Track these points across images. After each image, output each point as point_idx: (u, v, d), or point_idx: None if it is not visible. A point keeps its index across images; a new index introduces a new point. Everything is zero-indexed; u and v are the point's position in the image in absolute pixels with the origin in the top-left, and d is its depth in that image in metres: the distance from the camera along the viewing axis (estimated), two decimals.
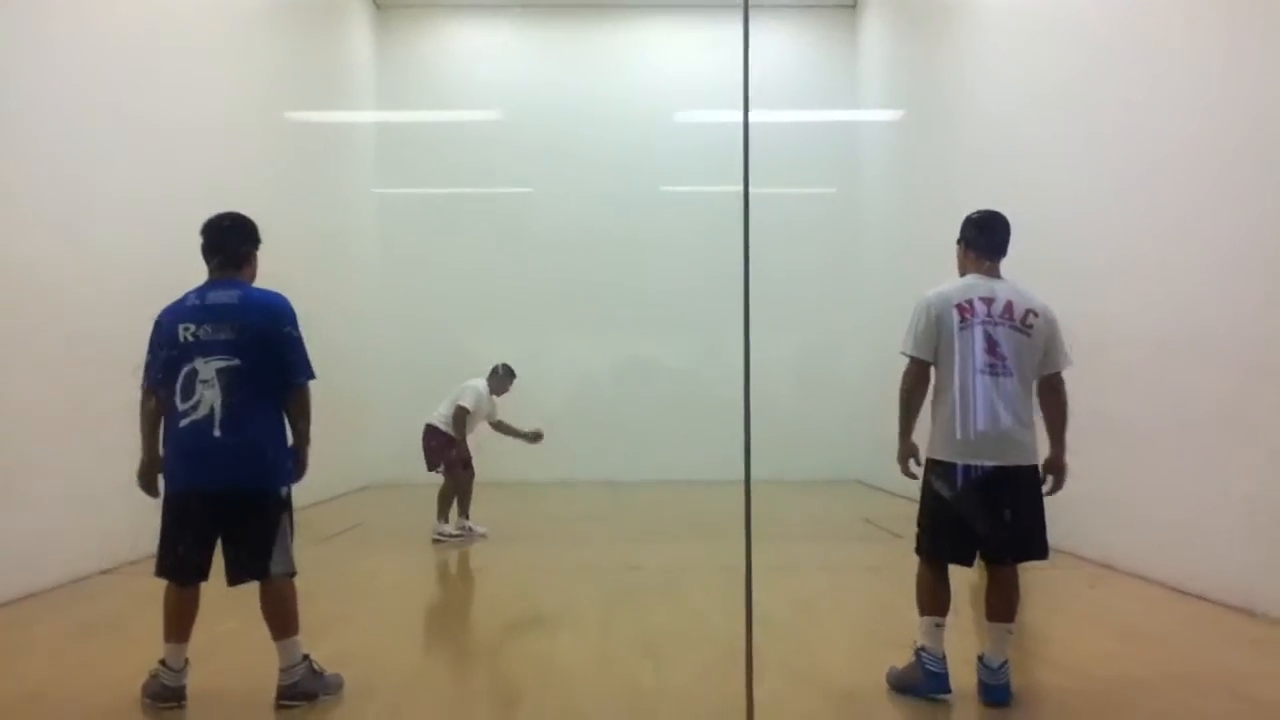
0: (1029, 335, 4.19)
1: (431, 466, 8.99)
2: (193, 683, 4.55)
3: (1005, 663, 4.22)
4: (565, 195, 14.94)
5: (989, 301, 4.21)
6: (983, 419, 4.14)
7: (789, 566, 7.33)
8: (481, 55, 15.57)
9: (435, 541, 8.44)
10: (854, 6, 15.46)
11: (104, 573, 7.11)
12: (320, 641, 5.32)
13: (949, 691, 4.24)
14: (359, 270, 14.39)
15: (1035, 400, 4.31)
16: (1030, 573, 7.08)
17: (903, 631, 5.81)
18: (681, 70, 15.09)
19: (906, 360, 4.33)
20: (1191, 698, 4.30)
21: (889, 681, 4.44)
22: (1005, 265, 4.46)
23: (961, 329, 4.19)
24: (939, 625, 4.31)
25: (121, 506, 7.40)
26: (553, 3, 15.33)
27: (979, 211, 4.53)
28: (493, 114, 15.08)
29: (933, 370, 4.29)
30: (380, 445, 14.30)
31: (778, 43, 15.22)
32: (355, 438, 13.84)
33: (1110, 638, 5.50)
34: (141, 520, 7.69)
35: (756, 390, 3.86)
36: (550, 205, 14.92)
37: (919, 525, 4.45)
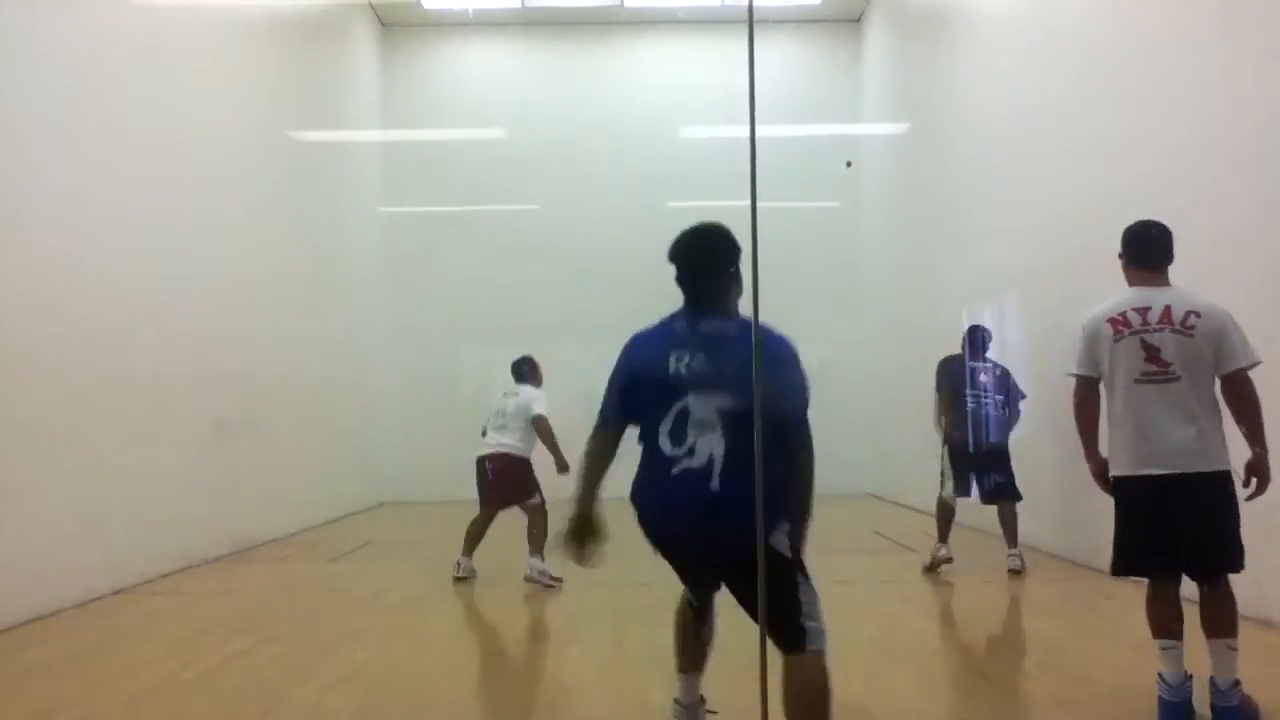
0: (1192, 337, 4.10)
1: (523, 498, 7.66)
2: (200, 706, 4.54)
3: (1236, 683, 4.03)
4: (571, 212, 14.97)
5: (1144, 311, 4.19)
6: (1150, 427, 4.10)
7: None
8: (486, 73, 15.64)
9: (533, 581, 7.30)
10: (858, 21, 15.51)
11: (115, 593, 7.11)
12: (329, 659, 5.32)
13: None
14: (365, 288, 14.43)
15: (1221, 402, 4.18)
16: (1046, 585, 7.09)
17: (913, 646, 5.79)
18: (686, 85, 15.12)
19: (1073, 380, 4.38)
20: (1208, 708, 4.26)
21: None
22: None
23: (1116, 342, 4.19)
24: (1166, 649, 4.15)
25: (130, 528, 7.45)
26: (557, 20, 15.39)
27: (1134, 223, 4.52)
28: (498, 131, 15.13)
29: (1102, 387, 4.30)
30: (389, 464, 14.33)
31: (782, 57, 15.27)
32: (364, 457, 13.86)
33: (1126, 648, 5.46)
34: (151, 541, 7.75)
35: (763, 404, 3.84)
36: (556, 222, 14.95)
37: (1114, 544, 4.36)
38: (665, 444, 3.43)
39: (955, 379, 7.93)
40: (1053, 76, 8.57)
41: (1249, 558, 4.31)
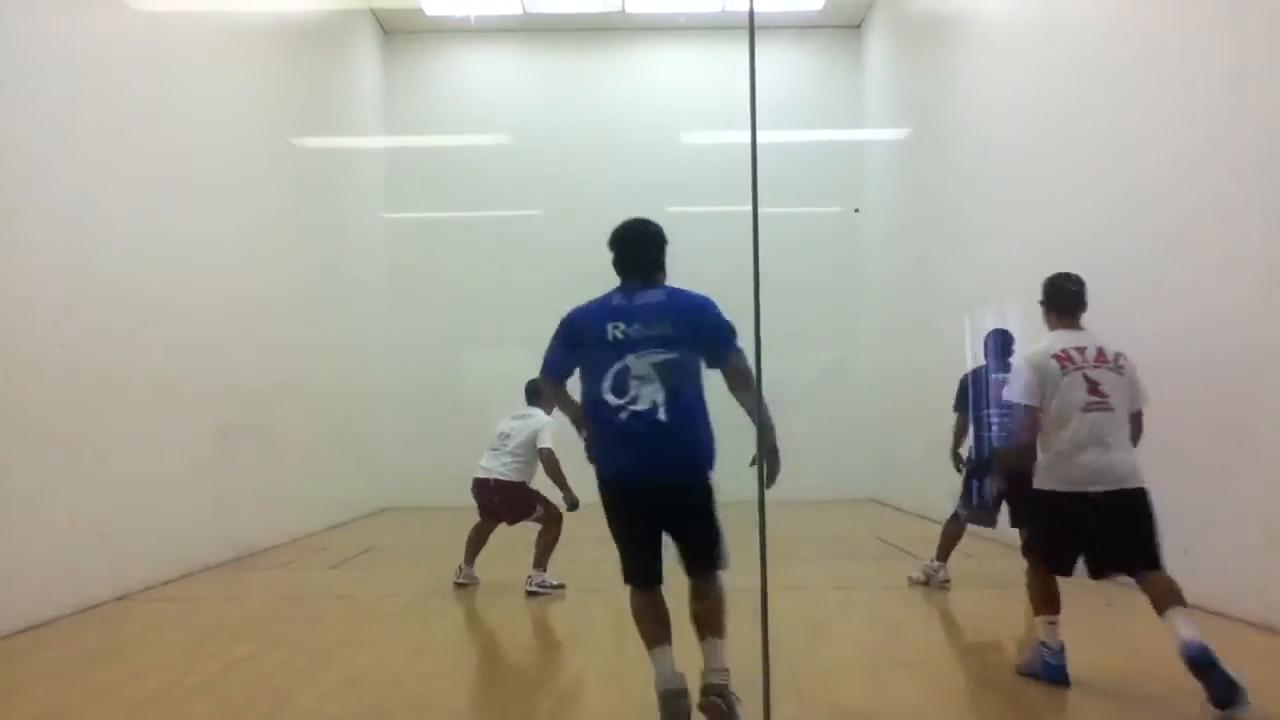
0: (1123, 374, 4.79)
1: (527, 516, 7.52)
2: (203, 711, 4.54)
3: (1212, 651, 4.36)
4: (573, 217, 14.95)
5: (1081, 350, 4.81)
6: (1098, 449, 4.67)
7: (802, 586, 7.30)
8: (489, 79, 15.67)
9: (535, 594, 7.15)
10: (859, 27, 15.53)
11: (118, 599, 7.12)
12: (332, 665, 5.32)
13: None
14: (368, 294, 14.45)
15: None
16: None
17: (917, 651, 5.78)
18: (687, 91, 15.16)
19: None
20: (1209, 716, 4.26)
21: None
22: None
23: (1064, 375, 4.74)
24: (1053, 623, 4.83)
25: (133, 534, 7.46)
26: (559, 26, 15.43)
27: (1055, 275, 5.16)
28: (500, 138, 15.16)
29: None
30: (392, 469, 14.34)
31: (783, 63, 15.30)
32: (366, 462, 13.87)
33: (1127, 655, 5.46)
34: (154, 547, 7.76)
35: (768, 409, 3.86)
36: (558, 228, 14.95)
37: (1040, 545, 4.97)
38: (610, 397, 4.06)
39: (975, 397, 7.34)
40: (1054, 81, 8.58)
41: (1254, 567, 4.37)
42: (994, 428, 7.14)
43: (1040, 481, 4.82)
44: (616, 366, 4.06)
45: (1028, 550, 5.13)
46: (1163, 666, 5.17)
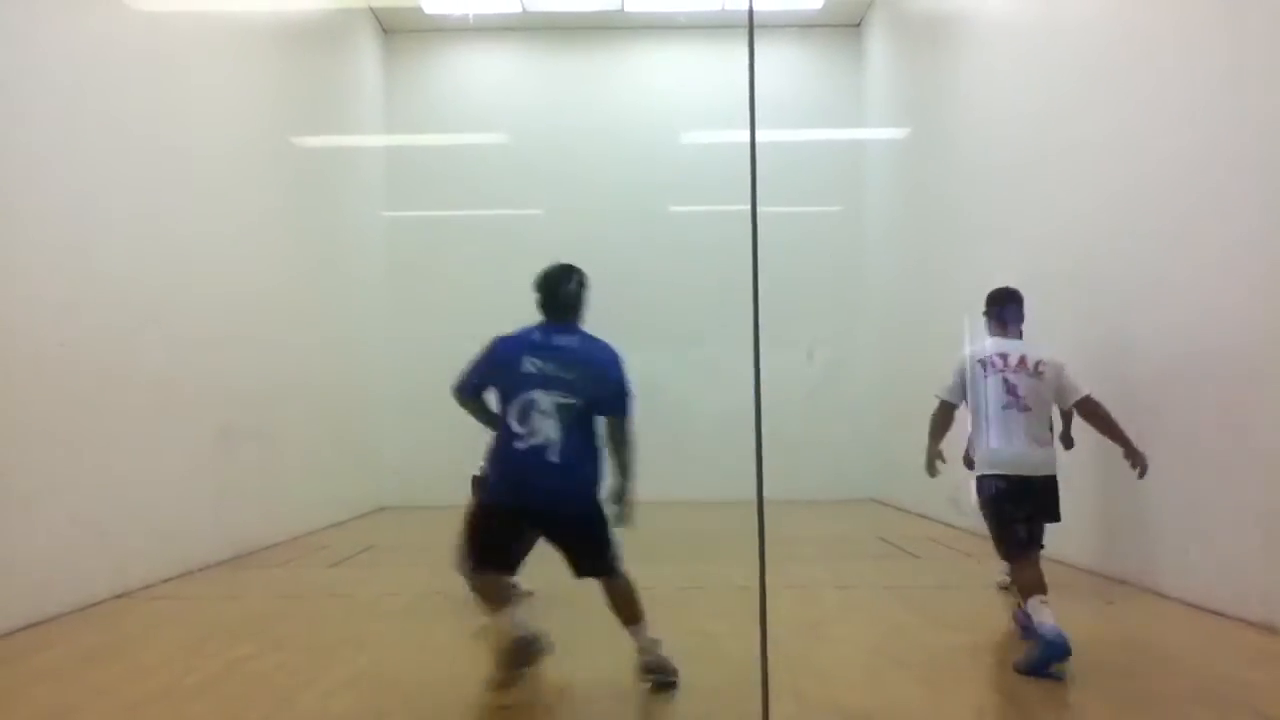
0: (1041, 379, 5.47)
1: None
2: (203, 711, 4.54)
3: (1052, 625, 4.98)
4: (573, 217, 14.99)
5: (1005, 356, 5.52)
6: (1010, 441, 5.40)
7: (802, 586, 7.30)
8: (489, 79, 15.67)
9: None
10: (858, 26, 15.53)
11: (117, 598, 7.12)
12: (332, 664, 5.32)
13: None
14: (367, 293, 14.45)
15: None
16: (1050, 591, 7.07)
17: (918, 652, 5.78)
18: (687, 91, 15.16)
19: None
20: (1211, 715, 4.26)
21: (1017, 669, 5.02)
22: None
23: (985, 379, 5.52)
24: (1045, 602, 5.08)
25: (132, 532, 7.46)
26: (558, 25, 15.42)
27: (997, 290, 5.85)
28: (500, 137, 15.17)
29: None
30: (391, 469, 14.34)
31: (783, 62, 15.30)
32: (366, 461, 13.87)
33: (1127, 654, 5.46)
34: (154, 546, 7.76)
35: (766, 408, 3.86)
36: (558, 227, 14.95)
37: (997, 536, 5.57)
38: (514, 424, 4.63)
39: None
40: (1055, 81, 8.58)
41: (1255, 566, 4.39)
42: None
43: (975, 469, 5.61)
44: (524, 397, 4.63)
45: (1001, 546, 5.60)
46: (1169, 667, 5.18)
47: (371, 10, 15.08)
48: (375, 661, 5.43)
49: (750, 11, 4.21)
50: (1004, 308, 5.77)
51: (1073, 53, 8.26)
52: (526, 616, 4.75)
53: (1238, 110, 6.07)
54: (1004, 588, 7.06)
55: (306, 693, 4.79)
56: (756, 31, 4.14)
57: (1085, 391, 5.51)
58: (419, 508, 13.61)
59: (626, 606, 4.82)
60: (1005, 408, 5.44)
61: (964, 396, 5.62)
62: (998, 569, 7.17)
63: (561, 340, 4.79)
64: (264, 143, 10.67)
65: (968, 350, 5.71)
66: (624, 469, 4.81)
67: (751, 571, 3.77)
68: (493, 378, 4.85)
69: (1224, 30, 6.25)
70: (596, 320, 15.40)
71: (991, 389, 5.49)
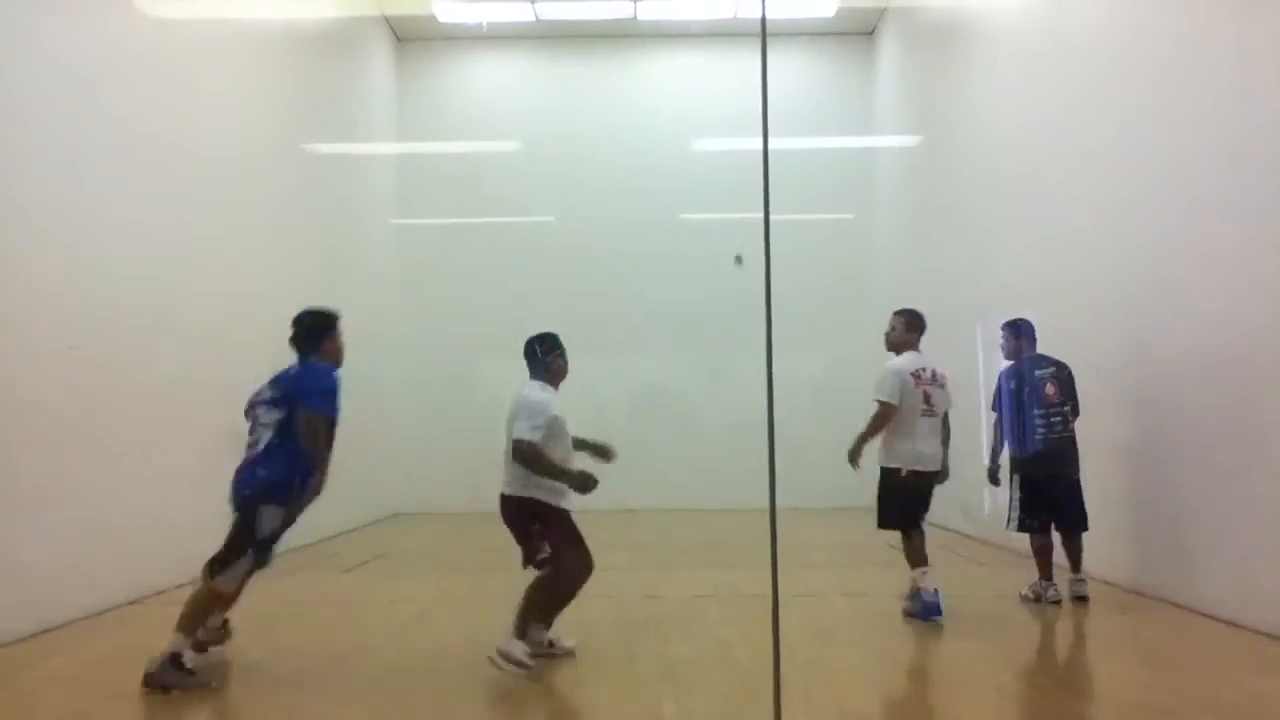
0: (944, 389, 6.73)
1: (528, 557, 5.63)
2: (218, 717, 4.54)
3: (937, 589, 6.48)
4: (584, 224, 15.02)
5: (923, 370, 6.66)
6: (925, 443, 6.61)
7: (813, 594, 7.29)
8: (501, 86, 15.72)
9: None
10: (871, 34, 15.53)
11: (130, 603, 7.14)
12: (343, 672, 5.33)
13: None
14: (379, 300, 14.48)
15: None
16: (1064, 601, 7.06)
17: (929, 659, 5.77)
18: (699, 98, 15.18)
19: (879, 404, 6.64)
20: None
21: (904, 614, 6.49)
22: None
23: (916, 388, 6.58)
24: (926, 571, 6.51)
25: (145, 538, 7.49)
26: (571, 33, 15.46)
27: (909, 311, 6.94)
28: (512, 144, 15.21)
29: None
30: (403, 475, 14.36)
31: (795, 70, 15.31)
32: (379, 467, 13.89)
33: (1141, 664, 5.44)
34: (166, 551, 7.78)
35: (778, 415, 3.86)
36: (570, 234, 15.01)
37: (886, 510, 6.78)
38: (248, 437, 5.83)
39: (1022, 395, 7.04)
40: (1066, 89, 8.57)
41: (1270, 577, 4.33)
42: (1040, 432, 6.93)
43: (892, 462, 6.62)
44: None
45: (888, 523, 6.77)
46: (1183, 677, 5.15)
47: (385, 18, 15.14)
48: (388, 670, 5.43)
49: (763, 19, 4.22)
50: (921, 327, 6.84)
51: (1082, 60, 8.24)
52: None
53: (1248, 116, 6.04)
54: (1029, 599, 7.03)
55: (317, 699, 4.80)
56: (769, 39, 4.14)
57: (952, 405, 6.79)
58: (432, 514, 13.64)
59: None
60: (923, 414, 6.57)
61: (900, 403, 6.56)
62: (1025, 582, 7.14)
63: (283, 371, 6.12)
64: (276, 149, 10.72)
65: (898, 363, 6.68)
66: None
67: (763, 579, 3.76)
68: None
69: (1233, 36, 6.23)
70: (606, 329, 15.53)
71: (917, 398, 6.55)
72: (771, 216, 3.93)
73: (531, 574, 5.50)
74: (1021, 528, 7.04)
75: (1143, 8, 7.44)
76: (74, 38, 6.91)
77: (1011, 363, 7.25)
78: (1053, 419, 6.93)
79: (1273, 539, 5.81)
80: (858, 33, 15.55)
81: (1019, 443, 7.02)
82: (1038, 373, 7.01)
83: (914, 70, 13.91)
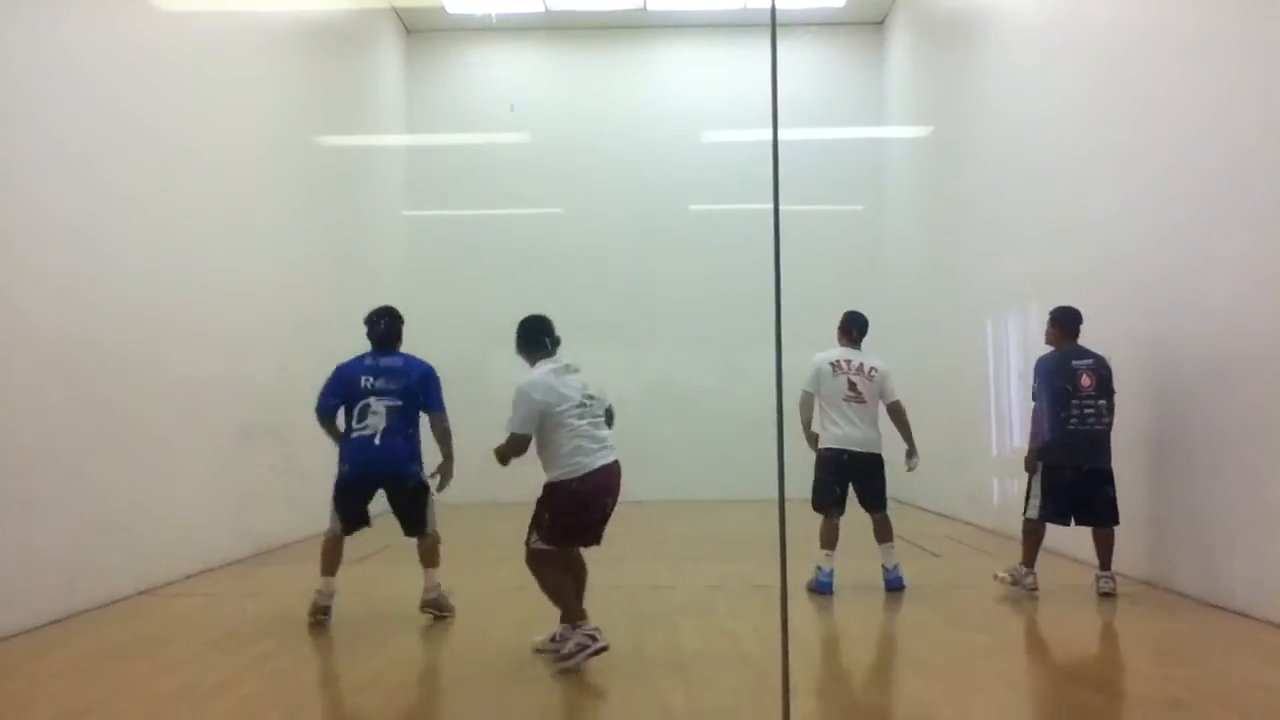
0: (872, 380, 7.25)
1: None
2: (223, 709, 4.56)
3: (896, 565, 7.17)
4: (594, 216, 15.00)
5: (849, 362, 7.26)
6: (848, 425, 7.14)
7: None
8: (510, 78, 15.68)
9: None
10: (881, 24, 15.46)
11: (140, 594, 7.17)
12: (352, 663, 5.34)
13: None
14: (388, 293, 14.36)
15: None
16: (1071, 592, 7.05)
17: (937, 651, 5.75)
18: (708, 90, 15.13)
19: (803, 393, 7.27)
20: (1234, 718, 4.22)
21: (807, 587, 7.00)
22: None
23: (834, 377, 7.20)
24: (830, 555, 7.05)
25: (155, 530, 7.51)
26: (580, 24, 15.42)
27: (851, 312, 7.57)
28: (522, 136, 15.18)
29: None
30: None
31: (805, 61, 15.23)
32: None
33: (1149, 655, 5.42)
34: (176, 543, 7.81)
35: (787, 407, 3.84)
36: (579, 226, 14.98)
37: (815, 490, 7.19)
38: (353, 422, 6.40)
39: (1057, 383, 6.88)
40: (1078, 81, 8.51)
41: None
42: (1073, 424, 6.78)
43: (823, 441, 7.16)
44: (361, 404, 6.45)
45: (820, 502, 7.14)
46: (1193, 669, 5.13)
47: (394, 10, 15.12)
48: (394, 661, 5.44)
49: (773, 10, 4.19)
50: (852, 326, 7.46)
51: (1096, 55, 8.18)
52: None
53: (1266, 112, 5.98)
54: (1004, 583, 7.03)
55: (326, 691, 4.81)
56: (779, 30, 4.12)
57: (896, 398, 7.37)
58: (438, 505, 13.63)
59: (428, 556, 6.65)
60: (847, 400, 7.13)
61: (818, 389, 7.19)
62: (999, 566, 7.16)
63: (387, 362, 6.74)
64: (285, 142, 10.72)
65: (820, 355, 7.29)
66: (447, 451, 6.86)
67: (773, 570, 3.75)
68: (340, 394, 6.78)
69: (1250, 35, 6.16)
70: (616, 321, 15.49)
71: (839, 385, 7.15)
72: (781, 208, 3.91)
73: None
74: (1041, 516, 6.92)
75: (1159, 2, 7.38)
76: (82, 33, 6.90)
77: (1051, 350, 7.10)
78: (1086, 410, 6.76)
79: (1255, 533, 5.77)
80: (868, 23, 15.47)
81: (1048, 431, 6.83)
82: (1074, 363, 6.84)
83: (925, 61, 13.84)
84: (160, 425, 7.71)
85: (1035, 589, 6.88)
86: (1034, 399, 7.03)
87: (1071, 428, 6.73)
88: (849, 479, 7.13)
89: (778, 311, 3.84)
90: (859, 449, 7.11)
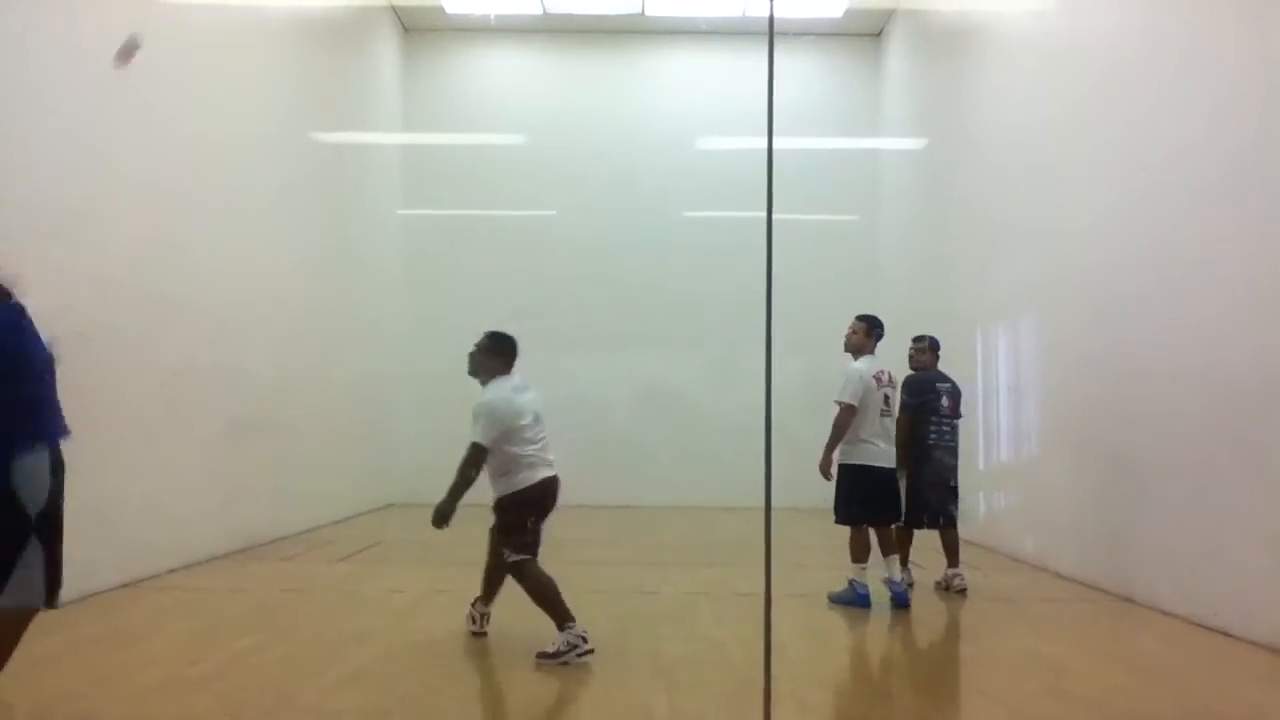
0: (895, 389, 7.29)
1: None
2: (206, 702, 4.55)
3: (902, 579, 7.17)
4: (588, 219, 15.01)
5: (881, 374, 7.12)
6: (886, 440, 7.11)
7: (806, 594, 7.29)
8: (507, 79, 15.70)
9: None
10: (879, 35, 15.51)
11: (123, 586, 7.14)
12: (336, 659, 5.33)
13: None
14: (382, 291, 14.47)
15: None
16: (1050, 605, 7.08)
17: (921, 662, 5.76)
18: (705, 97, 15.16)
19: (842, 406, 7.04)
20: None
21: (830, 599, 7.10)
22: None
23: (878, 390, 7.05)
24: (865, 568, 7.03)
25: (140, 522, 7.49)
26: (578, 27, 15.44)
27: (870, 316, 7.39)
28: (517, 138, 15.20)
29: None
30: (401, 465, 14.35)
31: (802, 70, 15.29)
32: (375, 457, 13.90)
33: (1130, 672, 5.43)
34: (161, 536, 7.79)
35: (776, 415, 3.85)
36: (573, 229, 14.99)
37: (845, 504, 7.13)
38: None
39: (925, 400, 7.65)
40: (1073, 94, 8.55)
41: (1261, 586, 4.31)
42: (937, 437, 7.60)
43: (852, 459, 7.01)
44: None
45: (845, 517, 7.12)
46: (1172, 686, 5.15)
47: (393, 9, 15.13)
48: (379, 658, 5.43)
49: (771, 18, 4.19)
50: (880, 335, 7.29)
51: (1091, 67, 8.22)
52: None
53: (1261, 124, 6.01)
54: (942, 587, 7.63)
55: (310, 686, 4.80)
56: (776, 39, 4.13)
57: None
58: (427, 505, 13.58)
59: None
60: (882, 415, 7.07)
61: (863, 404, 6.98)
62: (1013, 585, 7.33)
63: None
64: (282, 138, 10.71)
65: (859, 366, 7.10)
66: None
67: (757, 578, 3.76)
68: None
69: (1249, 42, 6.20)
70: (608, 325, 15.50)
71: (880, 400, 7.04)
72: (775, 216, 3.92)
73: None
74: (908, 522, 7.54)
75: (1154, 13, 7.42)
76: (82, 28, 6.89)
77: (915, 373, 7.85)
78: (944, 429, 7.62)
79: (1270, 551, 5.80)
80: (866, 34, 15.53)
81: (916, 446, 7.55)
82: (939, 385, 7.70)
83: (921, 73, 13.89)
84: (149, 416, 7.68)
85: (911, 585, 7.51)
86: (903, 412, 7.64)
87: (932, 443, 7.57)
88: (885, 493, 7.14)
89: (768, 319, 3.86)
90: (889, 465, 7.12)
